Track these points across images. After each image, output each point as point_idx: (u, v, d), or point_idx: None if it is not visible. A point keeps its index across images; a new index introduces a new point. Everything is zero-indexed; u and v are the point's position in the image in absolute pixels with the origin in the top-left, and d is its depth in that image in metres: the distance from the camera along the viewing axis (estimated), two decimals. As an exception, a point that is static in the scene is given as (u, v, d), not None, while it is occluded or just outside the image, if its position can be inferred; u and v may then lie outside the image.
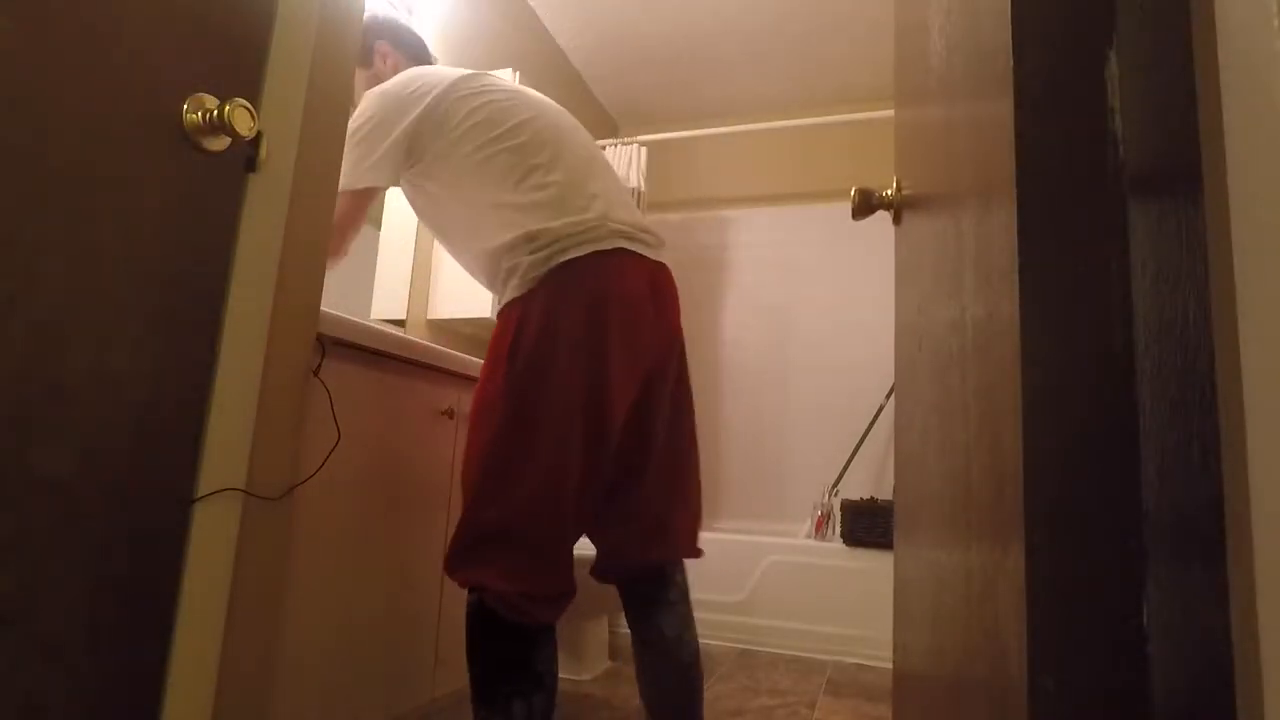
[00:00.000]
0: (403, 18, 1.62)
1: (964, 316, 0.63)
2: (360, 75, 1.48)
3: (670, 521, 1.36)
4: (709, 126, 3.47)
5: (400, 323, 2.18)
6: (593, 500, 1.23)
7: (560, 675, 1.86)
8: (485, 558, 1.13)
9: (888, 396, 3.01)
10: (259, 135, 0.92)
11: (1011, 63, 0.49)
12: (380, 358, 1.30)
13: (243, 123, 0.85)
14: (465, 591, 1.17)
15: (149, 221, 0.81)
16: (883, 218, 1.17)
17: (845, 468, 3.04)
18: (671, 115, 3.73)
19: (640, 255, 1.27)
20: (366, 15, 1.49)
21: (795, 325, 3.39)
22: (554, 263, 1.18)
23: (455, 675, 1.52)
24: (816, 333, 3.35)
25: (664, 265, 1.34)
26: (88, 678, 0.76)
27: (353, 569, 1.24)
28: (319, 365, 1.12)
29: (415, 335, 2.20)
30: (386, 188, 1.35)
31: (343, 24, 1.12)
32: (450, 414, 1.50)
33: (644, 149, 3.09)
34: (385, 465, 1.32)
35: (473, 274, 1.38)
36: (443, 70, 1.38)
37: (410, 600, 1.39)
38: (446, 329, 2.36)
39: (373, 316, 2.07)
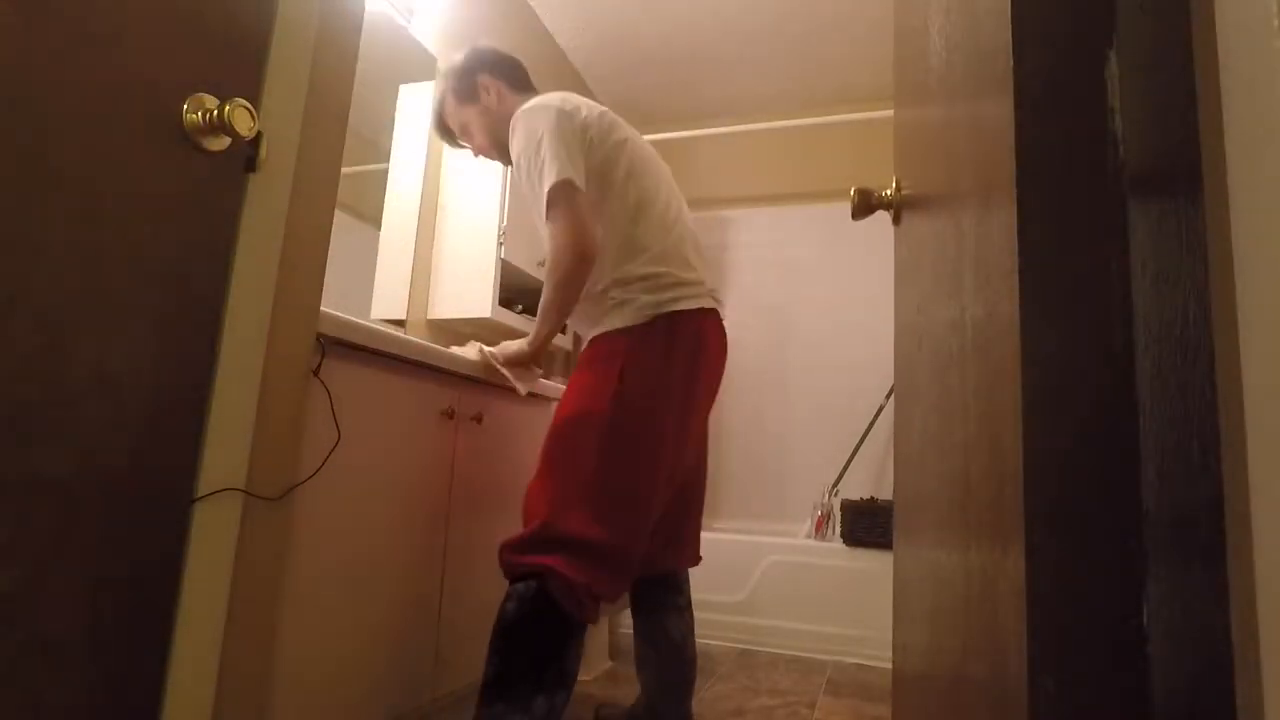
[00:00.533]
0: (495, 45, 1.63)
1: (964, 316, 0.63)
2: (468, 111, 1.56)
3: (685, 532, 1.55)
4: (709, 126, 3.46)
5: (400, 323, 2.18)
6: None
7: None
8: (561, 551, 1.21)
9: (888, 396, 3.01)
10: (259, 135, 0.92)
11: (1011, 63, 0.49)
12: (380, 358, 1.30)
13: (243, 123, 0.85)
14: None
15: (149, 221, 0.81)
16: (882, 218, 1.17)
17: (845, 468, 3.04)
18: (671, 115, 3.72)
19: (719, 314, 1.47)
20: (466, 51, 1.58)
21: (795, 325, 3.39)
22: (667, 308, 1.35)
23: (455, 675, 1.52)
24: (816, 333, 3.34)
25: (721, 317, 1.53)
26: (88, 678, 0.76)
27: (353, 569, 1.24)
28: (319, 365, 1.12)
29: (415, 335, 2.20)
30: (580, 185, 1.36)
31: (343, 24, 1.11)
32: (450, 414, 1.50)
33: (644, 149, 3.08)
34: (385, 465, 1.32)
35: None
36: (576, 96, 1.47)
37: (410, 600, 1.39)
38: (446, 329, 2.35)
39: (373, 316, 2.07)
